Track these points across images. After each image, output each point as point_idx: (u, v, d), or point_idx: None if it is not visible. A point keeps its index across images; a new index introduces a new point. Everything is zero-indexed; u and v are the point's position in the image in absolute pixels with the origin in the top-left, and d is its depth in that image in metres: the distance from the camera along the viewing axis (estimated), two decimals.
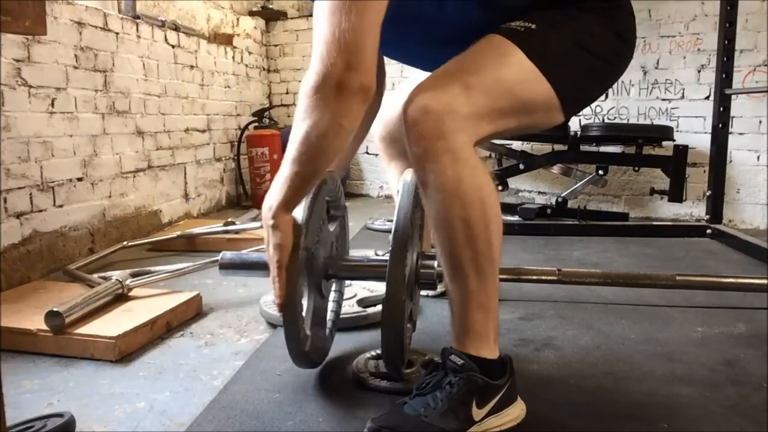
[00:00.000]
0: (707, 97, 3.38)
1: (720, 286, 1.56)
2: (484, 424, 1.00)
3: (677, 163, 3.07)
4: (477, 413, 0.99)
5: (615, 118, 3.65)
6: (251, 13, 4.29)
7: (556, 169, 3.39)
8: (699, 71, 3.43)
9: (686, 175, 3.11)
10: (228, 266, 1.22)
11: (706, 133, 3.20)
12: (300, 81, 4.90)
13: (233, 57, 3.94)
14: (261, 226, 1.11)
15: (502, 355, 1.05)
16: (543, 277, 1.51)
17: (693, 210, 3.51)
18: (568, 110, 1.07)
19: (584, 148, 3.28)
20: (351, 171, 4.28)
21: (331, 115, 0.92)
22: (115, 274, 1.76)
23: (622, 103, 3.62)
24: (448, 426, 0.96)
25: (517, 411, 1.06)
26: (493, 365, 1.02)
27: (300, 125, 0.96)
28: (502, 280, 1.51)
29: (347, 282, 1.88)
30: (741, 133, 3.30)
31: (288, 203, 1.02)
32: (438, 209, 0.96)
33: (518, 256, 2.41)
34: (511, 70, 0.99)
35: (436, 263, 1.21)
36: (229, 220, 2.76)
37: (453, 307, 1.02)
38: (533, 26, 1.02)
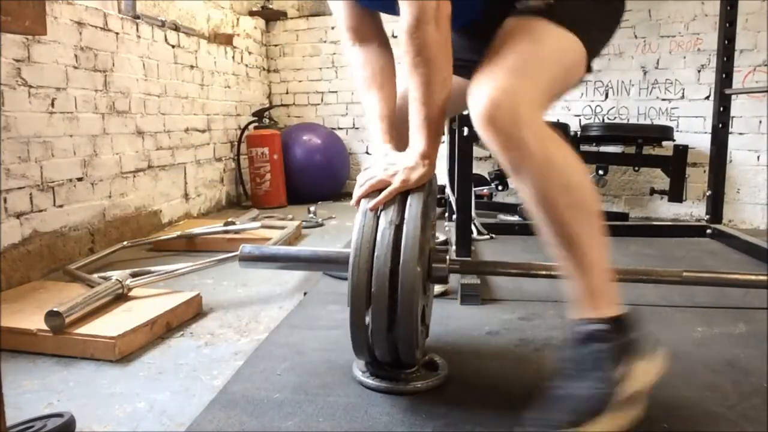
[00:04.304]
0: (707, 97, 3.38)
1: (727, 283, 1.55)
2: (635, 378, 1.00)
3: (677, 163, 3.07)
4: (629, 371, 1.00)
5: (615, 118, 3.65)
6: (251, 13, 4.29)
7: None
8: (699, 71, 3.43)
9: (686, 175, 3.11)
10: (247, 259, 1.29)
11: (706, 133, 3.20)
12: (300, 81, 4.88)
13: (233, 57, 3.94)
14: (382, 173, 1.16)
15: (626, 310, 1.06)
16: (554, 273, 1.50)
17: (693, 210, 3.51)
18: (591, 60, 1.16)
19: (584, 148, 3.28)
20: (351, 171, 4.28)
21: (439, 44, 1.07)
22: (115, 274, 1.76)
23: (622, 103, 3.62)
24: (622, 391, 0.97)
25: (657, 362, 1.05)
26: (625, 321, 1.03)
27: (415, 70, 1.08)
28: (511, 275, 1.51)
29: None
30: (741, 133, 3.30)
31: (434, 144, 1.13)
32: (534, 184, 1.00)
33: (518, 257, 2.41)
34: (550, 43, 1.08)
35: (448, 258, 1.24)
36: (229, 220, 2.76)
37: (572, 276, 1.04)
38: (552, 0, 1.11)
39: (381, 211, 1.11)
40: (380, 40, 1.35)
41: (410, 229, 1.07)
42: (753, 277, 1.52)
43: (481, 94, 1.00)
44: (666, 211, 3.58)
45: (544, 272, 1.52)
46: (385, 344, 1.12)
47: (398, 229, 1.08)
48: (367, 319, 1.10)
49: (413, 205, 1.10)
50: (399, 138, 1.24)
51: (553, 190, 1.00)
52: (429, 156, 1.13)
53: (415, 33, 1.05)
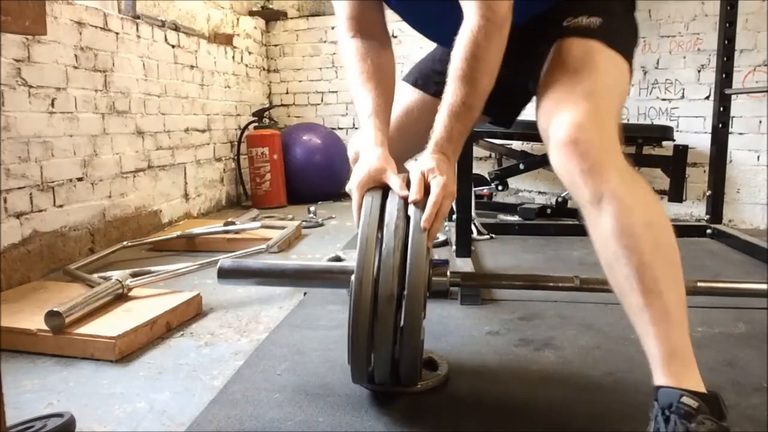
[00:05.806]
0: (707, 97, 3.38)
1: (741, 293, 1.52)
2: None
3: (677, 163, 3.06)
4: None
5: None
6: (251, 13, 4.29)
7: None
8: (699, 71, 3.43)
9: (686, 175, 3.11)
10: (226, 276, 1.19)
11: (706, 133, 3.20)
12: (300, 81, 4.88)
13: (233, 57, 3.94)
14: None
15: (710, 390, 0.88)
16: (561, 285, 1.45)
17: (693, 210, 3.51)
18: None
19: None
20: (351, 171, 4.28)
21: (501, 54, 1.04)
22: (115, 274, 1.76)
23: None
24: None
25: None
26: (713, 401, 0.86)
27: (467, 79, 1.03)
28: (518, 287, 1.46)
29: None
30: (741, 133, 3.30)
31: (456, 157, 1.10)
32: (617, 216, 0.91)
33: (518, 256, 2.41)
34: (615, 72, 1.11)
35: (448, 271, 1.17)
36: (229, 220, 2.76)
37: (649, 331, 0.91)
38: (600, 20, 1.12)
39: (385, 230, 1.03)
40: (382, 36, 1.25)
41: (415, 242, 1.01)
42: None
43: (564, 117, 0.96)
44: (666, 211, 3.57)
45: (550, 284, 1.47)
46: (387, 379, 1.10)
47: (404, 250, 1.02)
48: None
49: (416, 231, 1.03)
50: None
51: (638, 226, 0.91)
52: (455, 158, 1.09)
53: (483, 38, 1.01)
